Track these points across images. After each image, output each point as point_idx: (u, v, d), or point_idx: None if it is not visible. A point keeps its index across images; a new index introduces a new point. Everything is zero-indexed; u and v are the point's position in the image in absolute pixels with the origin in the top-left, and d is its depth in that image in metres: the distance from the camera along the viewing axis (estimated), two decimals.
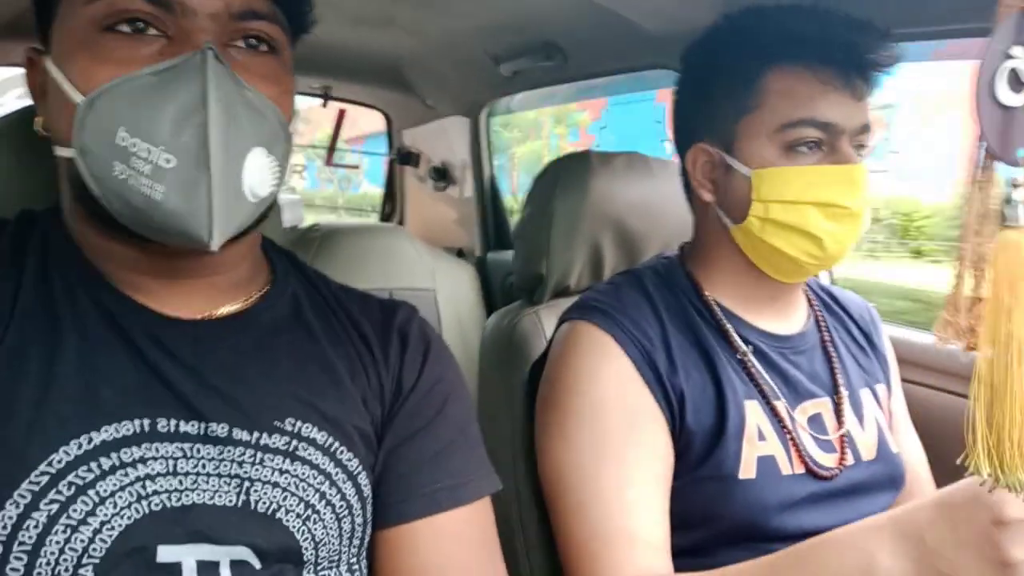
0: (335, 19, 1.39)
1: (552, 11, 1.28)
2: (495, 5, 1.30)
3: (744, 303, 0.85)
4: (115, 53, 0.53)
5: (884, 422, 0.88)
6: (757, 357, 0.82)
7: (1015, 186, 0.49)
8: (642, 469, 0.75)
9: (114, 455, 0.52)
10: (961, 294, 0.51)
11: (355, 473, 0.60)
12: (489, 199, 1.98)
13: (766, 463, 0.77)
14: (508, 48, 1.47)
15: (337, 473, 0.59)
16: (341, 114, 2.14)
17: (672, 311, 0.82)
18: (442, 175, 2.08)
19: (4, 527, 0.49)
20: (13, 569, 0.49)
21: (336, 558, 0.59)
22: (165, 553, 0.52)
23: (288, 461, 0.57)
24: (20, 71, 0.63)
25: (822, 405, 0.84)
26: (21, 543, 0.49)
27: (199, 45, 0.52)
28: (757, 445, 0.77)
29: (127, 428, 0.53)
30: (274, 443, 0.57)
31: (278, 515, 0.56)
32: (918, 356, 1.12)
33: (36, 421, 0.52)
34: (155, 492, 0.53)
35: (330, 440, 0.59)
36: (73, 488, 0.51)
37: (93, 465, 0.52)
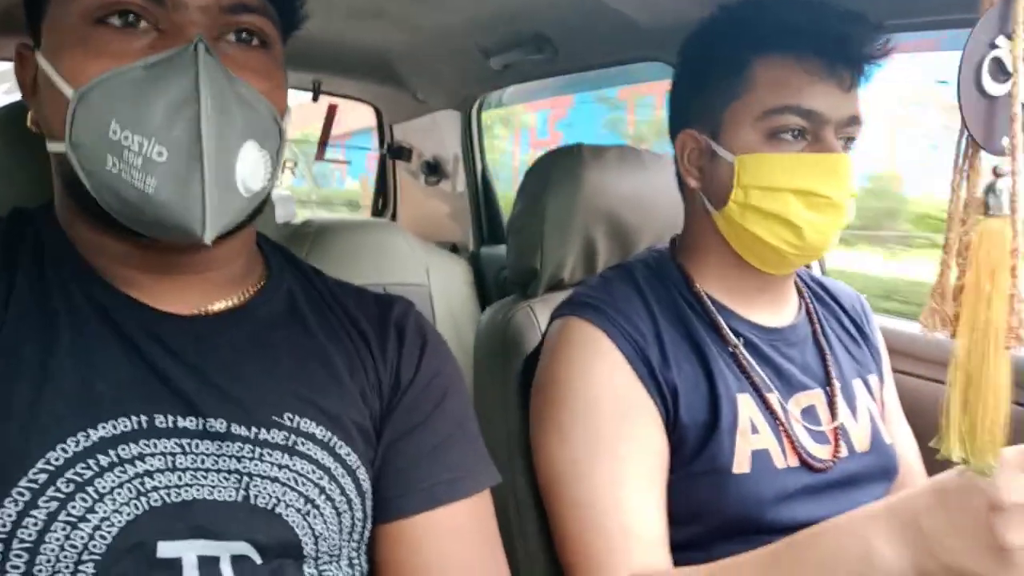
0: (325, 13, 1.39)
1: (543, 4, 1.28)
2: None
3: (734, 295, 0.85)
4: (106, 46, 0.53)
5: (877, 413, 0.88)
6: (749, 350, 0.83)
7: (998, 175, 0.50)
8: (637, 464, 0.75)
9: (112, 451, 0.53)
10: (947, 282, 0.52)
11: (354, 468, 0.60)
12: (482, 193, 1.98)
13: (760, 457, 0.77)
14: (499, 41, 1.47)
15: (336, 468, 0.59)
16: (332, 109, 2.13)
17: (663, 304, 0.83)
18: (434, 169, 2.07)
19: (3, 525, 0.49)
20: (13, 567, 0.49)
21: (336, 552, 0.59)
22: (165, 549, 0.52)
23: (287, 456, 0.57)
24: (7, 66, 0.62)
25: (815, 397, 0.84)
26: (21, 541, 0.49)
27: (190, 38, 0.52)
28: (750, 439, 0.78)
29: (124, 424, 0.54)
30: (273, 438, 0.57)
31: (278, 510, 0.56)
32: (907, 346, 1.13)
33: (33, 419, 0.52)
34: (154, 488, 0.53)
35: (329, 435, 0.59)
36: (72, 485, 0.51)
37: (91, 462, 0.52)
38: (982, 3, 0.49)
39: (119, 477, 0.52)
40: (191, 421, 0.56)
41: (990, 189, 0.50)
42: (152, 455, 0.54)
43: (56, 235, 0.60)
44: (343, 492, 0.59)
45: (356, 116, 2.27)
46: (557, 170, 1.02)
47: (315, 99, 1.98)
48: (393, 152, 2.16)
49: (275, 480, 0.56)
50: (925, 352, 1.12)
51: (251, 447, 0.56)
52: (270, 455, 0.57)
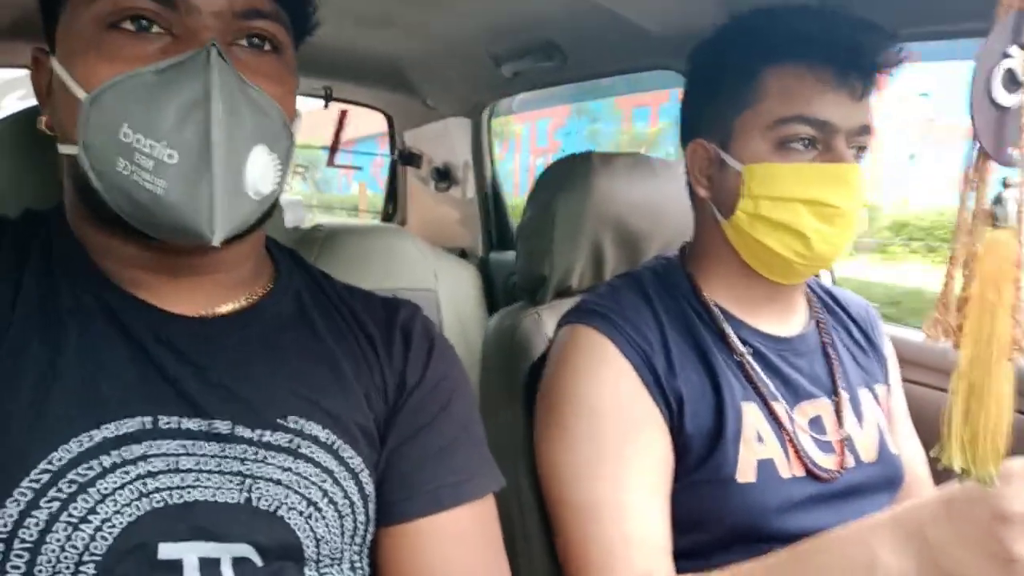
0: (337, 20, 1.40)
1: (553, 12, 1.28)
2: (496, 6, 1.31)
3: (742, 304, 0.85)
4: (119, 51, 0.54)
5: (884, 423, 0.87)
6: (756, 359, 0.82)
7: (1006, 186, 0.49)
8: (641, 471, 0.75)
9: (115, 452, 0.53)
10: (951, 292, 0.52)
11: (357, 471, 0.60)
12: (491, 200, 1.98)
13: (765, 467, 0.77)
14: (509, 49, 1.47)
15: (339, 471, 0.59)
16: (343, 115, 2.14)
17: (671, 313, 0.82)
18: (444, 176, 2.08)
19: (5, 525, 0.49)
20: (14, 567, 0.49)
21: (338, 556, 0.59)
22: (166, 550, 0.52)
23: (291, 459, 0.57)
24: (20, 73, 0.63)
25: (822, 407, 0.84)
26: (22, 541, 0.50)
27: (203, 43, 0.53)
28: (755, 448, 0.77)
29: (129, 425, 0.54)
30: (277, 440, 0.57)
31: (280, 512, 0.56)
32: (917, 355, 1.12)
33: (38, 419, 0.52)
34: (156, 489, 0.53)
35: (332, 438, 0.59)
36: (74, 486, 0.51)
37: (94, 463, 0.52)
38: (996, 13, 0.49)
39: (122, 478, 0.52)
40: (196, 422, 0.56)
41: (998, 200, 0.49)
42: (155, 456, 0.54)
43: (65, 236, 0.60)
44: (346, 495, 0.59)
45: (362, 123, 2.29)
46: (567, 177, 1.02)
47: (327, 105, 2.00)
48: (404, 158, 2.17)
49: (278, 483, 0.56)
50: (934, 361, 1.11)
51: (255, 449, 0.56)
52: (273, 458, 0.57)
